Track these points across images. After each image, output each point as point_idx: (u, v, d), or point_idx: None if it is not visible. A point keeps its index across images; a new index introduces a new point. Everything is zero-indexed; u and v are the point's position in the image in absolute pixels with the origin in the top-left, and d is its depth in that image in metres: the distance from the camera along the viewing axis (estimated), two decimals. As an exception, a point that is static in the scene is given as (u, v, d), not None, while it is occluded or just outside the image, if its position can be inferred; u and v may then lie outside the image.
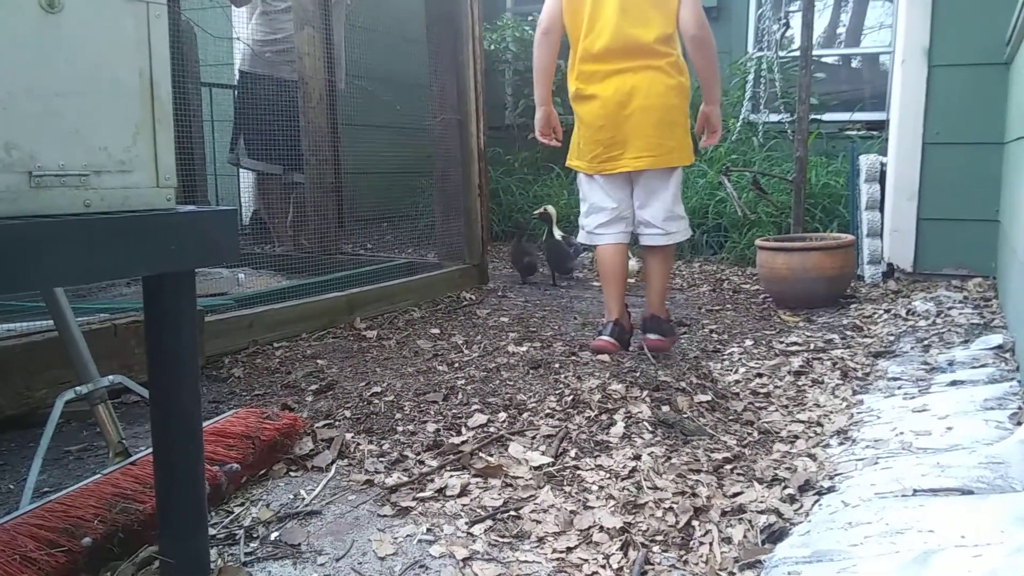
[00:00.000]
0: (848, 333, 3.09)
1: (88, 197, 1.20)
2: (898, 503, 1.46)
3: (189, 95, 4.22)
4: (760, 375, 2.57)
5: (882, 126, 5.18)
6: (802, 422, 2.13)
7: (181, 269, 1.34)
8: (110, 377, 1.71)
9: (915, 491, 1.50)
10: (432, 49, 4.00)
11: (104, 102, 1.21)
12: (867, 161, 4.22)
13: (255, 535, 1.57)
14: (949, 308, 3.30)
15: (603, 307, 2.87)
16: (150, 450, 1.59)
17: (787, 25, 5.37)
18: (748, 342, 3.02)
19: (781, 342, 2.99)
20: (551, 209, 4.39)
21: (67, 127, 1.17)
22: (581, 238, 2.93)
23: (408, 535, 1.57)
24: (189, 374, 1.38)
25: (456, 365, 2.63)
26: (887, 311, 3.38)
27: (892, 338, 2.94)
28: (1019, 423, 1.79)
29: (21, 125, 1.08)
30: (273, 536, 1.57)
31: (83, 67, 1.17)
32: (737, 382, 2.49)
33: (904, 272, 4.10)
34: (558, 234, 4.37)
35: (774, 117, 5.50)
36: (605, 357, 2.62)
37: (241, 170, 5.33)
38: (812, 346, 2.91)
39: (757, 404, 2.28)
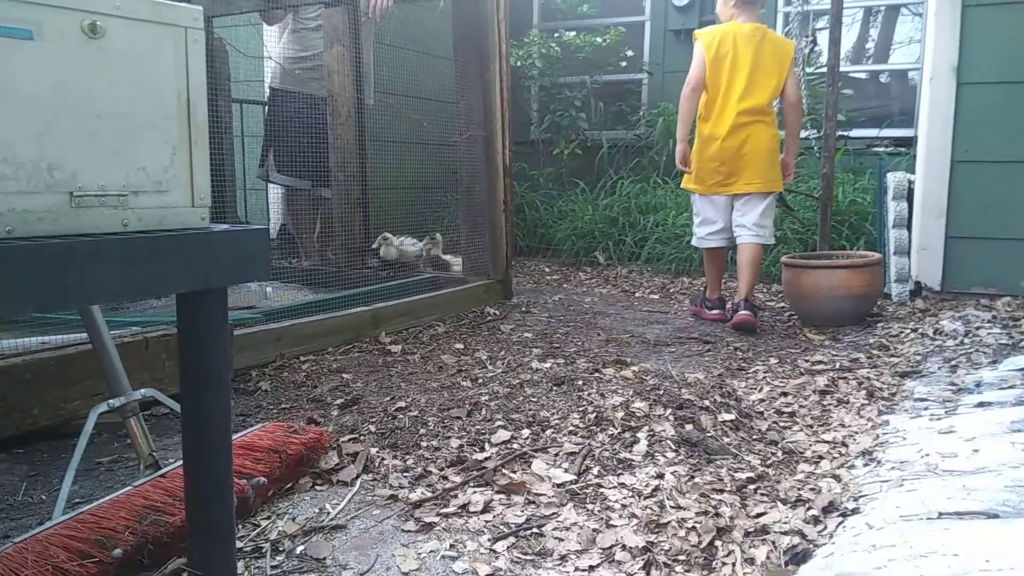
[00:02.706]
0: (874, 352, 3.07)
1: (126, 216, 1.24)
2: (923, 526, 1.46)
3: (220, 112, 4.30)
4: (785, 394, 2.56)
5: (910, 142, 5.15)
6: (827, 442, 2.12)
7: (215, 286, 1.37)
8: (142, 391, 1.75)
9: (940, 514, 1.50)
10: (459, 67, 4.04)
11: (143, 124, 1.25)
12: (895, 179, 4.20)
13: (281, 548, 1.59)
14: (977, 328, 3.27)
15: (707, 288, 3.92)
16: (180, 463, 1.62)
17: (814, 42, 5.36)
18: (773, 360, 3.01)
19: (806, 360, 2.98)
20: (438, 236, 4.47)
21: (107, 148, 1.21)
22: (695, 242, 3.90)
23: (432, 551, 1.59)
24: (221, 389, 1.41)
25: (480, 381, 2.64)
26: (914, 330, 3.36)
27: (919, 358, 2.92)
28: (1047, 446, 1.78)
29: (63, 146, 1.12)
30: (299, 550, 1.59)
31: (123, 90, 1.21)
32: (761, 401, 2.49)
33: (932, 291, 4.07)
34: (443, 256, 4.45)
35: (802, 134, 5.49)
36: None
37: (270, 185, 5.42)
38: (838, 365, 2.89)
39: (781, 423, 2.27)
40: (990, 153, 3.91)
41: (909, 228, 4.16)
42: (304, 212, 4.78)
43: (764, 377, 2.78)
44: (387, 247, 4.34)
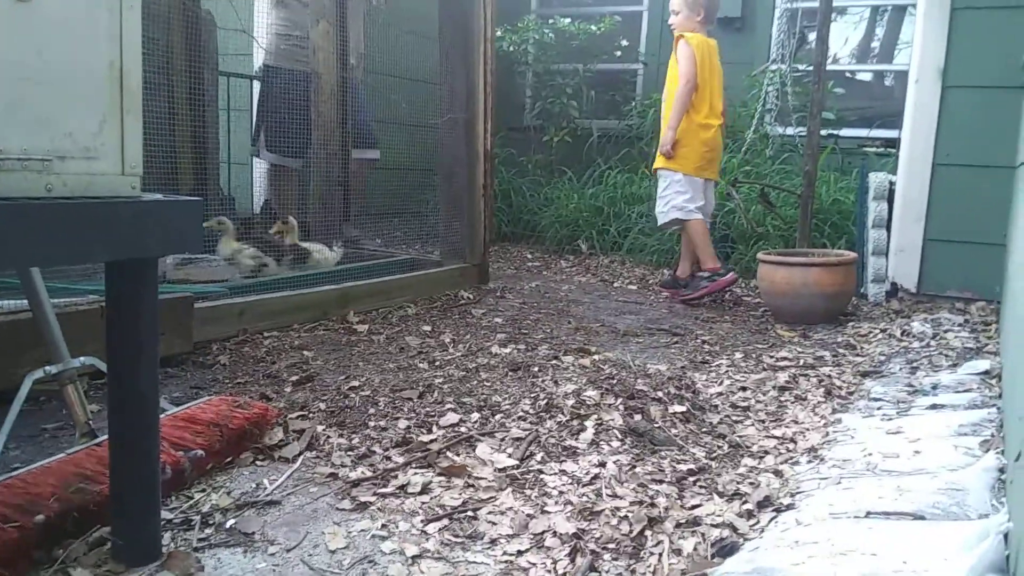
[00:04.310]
0: (840, 351, 3.07)
1: (50, 182, 1.23)
2: (849, 524, 1.45)
3: (206, 84, 4.27)
4: (744, 388, 2.56)
5: (899, 143, 5.13)
6: (776, 438, 2.12)
7: (142, 256, 1.36)
8: (81, 358, 1.74)
9: (868, 513, 1.49)
10: (444, 49, 4.02)
11: (72, 90, 1.23)
12: (876, 179, 4.18)
13: (211, 522, 1.59)
14: (946, 331, 3.26)
15: (705, 260, 4.09)
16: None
17: (803, 39, 5.33)
18: (738, 355, 3.01)
19: (771, 356, 2.98)
20: (293, 220, 3.90)
21: (33, 114, 1.19)
22: (682, 215, 4.07)
23: (362, 530, 1.59)
24: (147, 360, 1.40)
25: (437, 363, 2.64)
26: (883, 331, 3.36)
27: (883, 358, 2.92)
28: (988, 450, 1.77)
29: (-17, 109, 1.11)
30: (229, 524, 1.58)
31: (52, 56, 1.20)
32: (719, 394, 2.48)
33: (908, 292, 4.06)
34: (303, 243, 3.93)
35: (789, 131, 5.47)
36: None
37: (254, 160, 5.40)
38: (802, 362, 2.89)
39: (734, 417, 2.27)
40: (971, 157, 3.89)
41: (888, 229, 4.14)
42: (290, 190, 4.76)
43: (727, 371, 2.77)
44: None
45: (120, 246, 1.31)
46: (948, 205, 3.95)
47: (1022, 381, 1.60)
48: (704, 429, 2.14)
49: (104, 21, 1.26)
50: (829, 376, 2.69)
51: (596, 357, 2.74)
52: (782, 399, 2.46)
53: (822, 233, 4.69)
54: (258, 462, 1.88)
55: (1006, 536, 1.26)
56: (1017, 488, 1.35)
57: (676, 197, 4.06)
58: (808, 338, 3.34)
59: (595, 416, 2.09)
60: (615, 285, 4.55)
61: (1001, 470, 1.63)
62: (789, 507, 1.64)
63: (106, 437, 1.70)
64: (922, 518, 1.45)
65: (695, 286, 4.07)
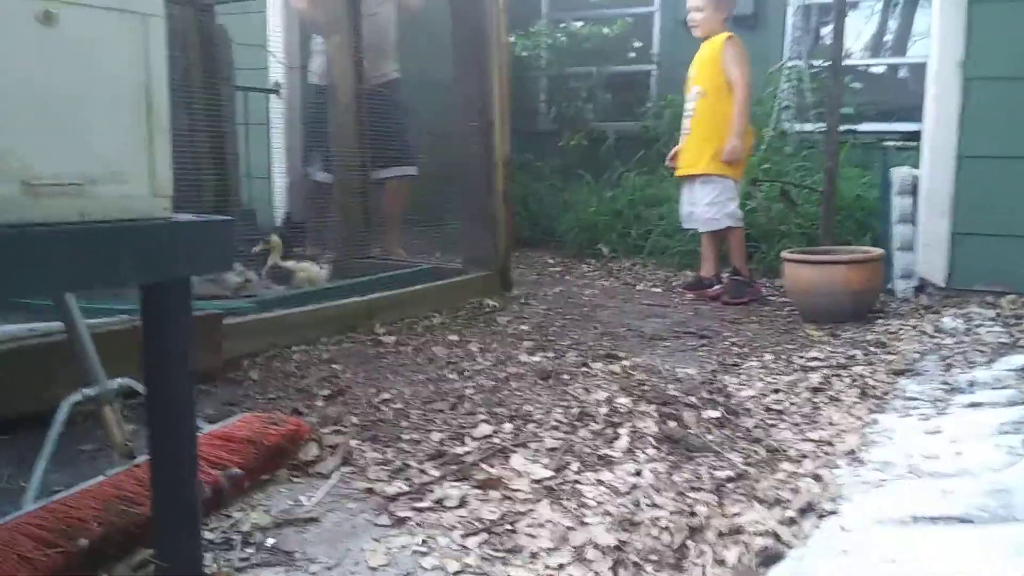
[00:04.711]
0: (872, 349, 3.04)
1: (84, 206, 1.23)
2: (895, 531, 1.43)
3: (223, 99, 4.30)
4: (777, 391, 2.53)
5: (920, 137, 5.08)
6: (813, 441, 2.10)
7: (176, 277, 1.36)
8: (118, 380, 1.74)
9: (914, 518, 1.47)
10: (457, 55, 4.02)
11: (100, 113, 1.23)
12: (899, 174, 4.15)
13: (252, 541, 1.59)
14: (978, 326, 3.23)
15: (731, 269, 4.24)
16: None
17: (817, 34, 5.30)
18: (768, 356, 2.98)
19: (802, 357, 2.95)
20: (277, 239, 3.85)
21: (62, 138, 1.19)
22: (732, 223, 4.12)
23: (403, 546, 1.58)
24: (183, 380, 1.40)
25: (467, 374, 2.63)
26: (914, 327, 3.32)
27: (916, 356, 2.88)
28: (1032, 449, 1.75)
29: (17, 135, 1.11)
30: (269, 543, 1.58)
31: (79, 79, 1.20)
32: (751, 397, 2.46)
33: (936, 287, 4.01)
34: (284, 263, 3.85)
35: (808, 127, 5.43)
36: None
37: (275, 173, 5.46)
38: (833, 362, 2.86)
39: (769, 421, 2.25)
40: (997, 149, 3.85)
41: (914, 224, 4.10)
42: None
43: (757, 373, 2.75)
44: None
45: (154, 268, 1.31)
46: (974, 198, 3.91)
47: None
48: (739, 434, 2.12)
49: (129, 42, 1.26)
50: (862, 376, 2.66)
51: (625, 363, 2.72)
52: (816, 401, 2.44)
53: (846, 230, 4.65)
54: (294, 479, 1.87)
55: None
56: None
57: (730, 204, 4.09)
58: (837, 337, 3.30)
59: (629, 424, 2.08)
60: (638, 288, 4.54)
61: (1047, 469, 1.61)
62: (831, 513, 1.62)
63: (145, 458, 1.71)
64: (970, 522, 1.42)
65: (738, 292, 4.07)
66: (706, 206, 4.11)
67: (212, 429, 1.91)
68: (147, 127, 1.27)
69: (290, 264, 3.74)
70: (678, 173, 4.29)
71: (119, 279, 1.32)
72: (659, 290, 4.50)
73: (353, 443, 2.04)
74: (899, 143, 5.40)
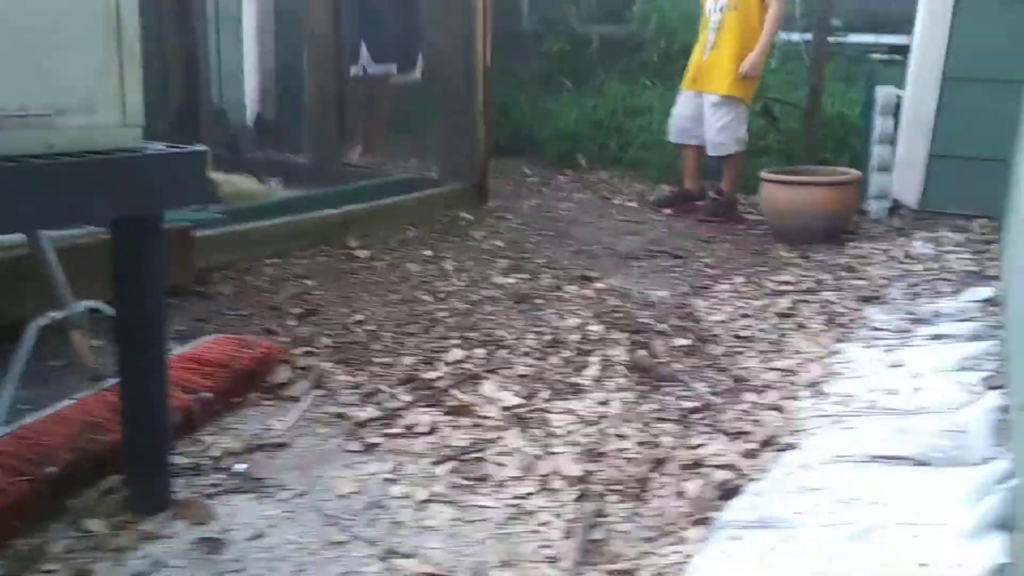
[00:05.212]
0: (841, 274, 3.07)
1: (51, 137, 1.19)
2: (852, 470, 1.48)
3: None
4: (745, 315, 2.57)
5: (907, 50, 4.99)
6: (778, 370, 2.14)
7: (149, 212, 1.33)
8: (85, 302, 1.72)
9: (872, 457, 1.52)
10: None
11: (67, 40, 1.18)
12: (883, 92, 4.09)
13: (222, 466, 1.61)
14: (948, 252, 3.26)
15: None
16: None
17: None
18: (739, 278, 3.01)
19: (772, 280, 2.98)
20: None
21: (29, 67, 1.14)
22: (737, 148, 4.02)
23: (372, 473, 1.61)
24: (155, 308, 1.39)
25: (440, 295, 2.63)
26: (884, 252, 3.34)
27: (884, 282, 2.92)
28: (990, 387, 1.79)
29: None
30: (239, 468, 1.60)
31: (45, 5, 1.14)
32: (720, 323, 2.49)
33: (910, 209, 4.02)
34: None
35: (795, 36, 5.31)
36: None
37: (246, 72, 5.29)
38: (803, 286, 2.89)
39: (736, 349, 2.28)
40: (983, 71, 3.80)
41: (893, 145, 4.08)
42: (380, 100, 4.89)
43: (728, 297, 2.78)
44: None
45: (126, 202, 1.28)
46: (956, 119, 3.88)
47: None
48: (707, 362, 2.16)
49: (97, -33, 1.20)
50: (830, 302, 2.69)
51: (599, 285, 2.73)
52: (783, 327, 2.47)
53: (825, 147, 4.61)
54: (265, 402, 1.88)
55: (1009, 486, 1.29)
56: (1019, 434, 1.36)
57: (740, 128, 4.00)
58: (809, 259, 3.33)
59: (600, 352, 2.10)
60: (615, 203, 4.50)
61: (1003, 409, 1.65)
62: (792, 447, 1.67)
63: (115, 381, 1.71)
64: (926, 463, 1.47)
65: (716, 211, 4.03)
66: (719, 129, 3.95)
67: (183, 351, 1.90)
68: (117, 55, 1.22)
69: (218, 176, 3.55)
70: (692, 87, 4.07)
71: (90, 214, 1.29)
72: (635, 204, 4.46)
73: (325, 366, 2.05)
74: (886, 56, 5.31)
